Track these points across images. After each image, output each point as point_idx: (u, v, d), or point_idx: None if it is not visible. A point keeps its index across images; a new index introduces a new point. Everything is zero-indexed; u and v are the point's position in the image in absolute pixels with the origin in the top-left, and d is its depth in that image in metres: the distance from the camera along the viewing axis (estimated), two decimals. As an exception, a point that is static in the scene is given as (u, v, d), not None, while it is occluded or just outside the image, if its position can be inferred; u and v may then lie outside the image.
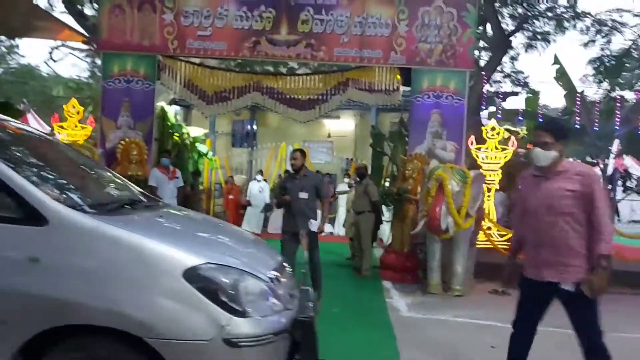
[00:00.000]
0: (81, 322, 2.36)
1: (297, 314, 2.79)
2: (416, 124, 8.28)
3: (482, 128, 8.90)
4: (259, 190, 13.18)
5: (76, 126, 9.57)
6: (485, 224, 8.07)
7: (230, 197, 13.86)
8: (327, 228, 8.01)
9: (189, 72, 8.97)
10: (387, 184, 10.10)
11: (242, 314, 2.45)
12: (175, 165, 9.05)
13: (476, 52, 13.82)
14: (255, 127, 19.10)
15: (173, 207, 3.53)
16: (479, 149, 8.58)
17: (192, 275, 2.41)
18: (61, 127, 9.62)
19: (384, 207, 9.15)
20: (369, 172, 10.38)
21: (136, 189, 3.50)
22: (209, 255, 2.55)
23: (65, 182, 2.92)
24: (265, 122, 18.50)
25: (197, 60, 9.29)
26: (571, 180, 3.07)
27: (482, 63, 13.38)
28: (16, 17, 8.50)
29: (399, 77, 8.69)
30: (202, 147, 12.46)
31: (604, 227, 2.99)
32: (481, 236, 7.95)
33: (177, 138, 10.52)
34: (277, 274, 2.83)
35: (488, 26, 12.86)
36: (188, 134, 11.29)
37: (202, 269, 2.45)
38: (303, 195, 6.11)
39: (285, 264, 3.20)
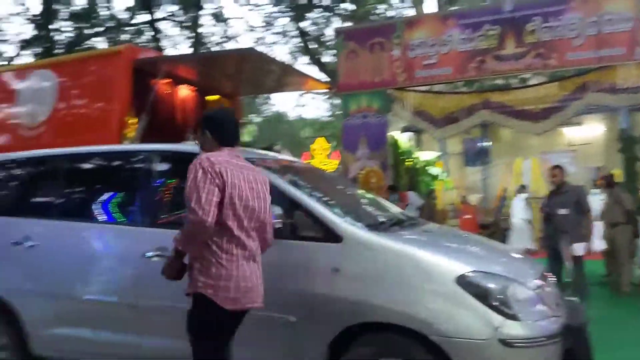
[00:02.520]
0: (375, 320, 2.79)
1: (567, 321, 2.87)
2: (677, 122, 7.26)
3: None
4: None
5: (323, 162, 10.91)
6: None
7: (467, 216, 13.79)
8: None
9: (417, 100, 9.45)
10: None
11: (513, 317, 2.64)
12: (408, 188, 9.54)
13: None
14: (487, 143, 18.70)
15: (431, 224, 3.90)
16: None
17: (463, 281, 2.70)
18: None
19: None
20: (623, 179, 9.33)
21: (397, 209, 4.01)
22: (475, 264, 2.85)
23: (346, 205, 3.52)
24: (498, 137, 17.92)
25: (423, 88, 9.74)
26: None
27: None
28: (270, 77, 10.10)
29: (649, 72, 7.77)
30: (434, 170, 12.81)
31: None
32: None
33: (408, 163, 11.09)
34: (541, 282, 2.96)
35: None
36: (418, 158, 11.79)
37: (471, 276, 2.72)
38: (562, 211, 6.08)
39: (547, 274, 3.26)
